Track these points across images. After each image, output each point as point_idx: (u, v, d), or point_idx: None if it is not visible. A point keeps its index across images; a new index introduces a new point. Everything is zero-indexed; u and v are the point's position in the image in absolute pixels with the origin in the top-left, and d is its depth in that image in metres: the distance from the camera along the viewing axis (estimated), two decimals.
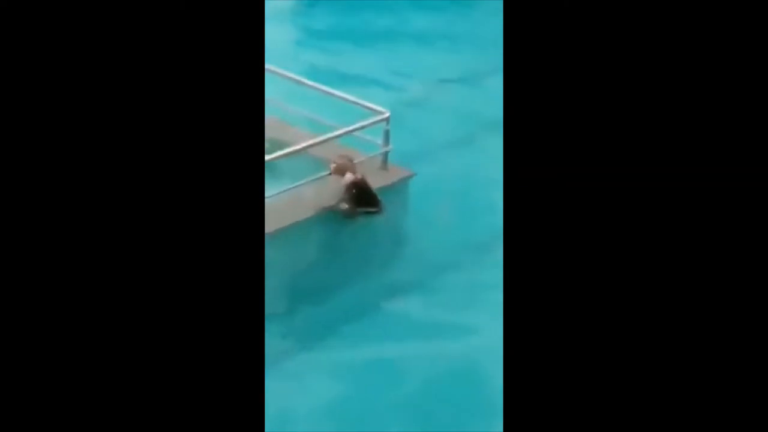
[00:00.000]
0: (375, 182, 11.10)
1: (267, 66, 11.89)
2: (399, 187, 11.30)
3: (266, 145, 11.22)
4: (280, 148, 10.88)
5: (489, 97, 12.32)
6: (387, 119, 11.28)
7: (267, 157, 10.78)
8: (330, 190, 10.76)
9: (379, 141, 11.31)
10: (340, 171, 10.72)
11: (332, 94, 11.60)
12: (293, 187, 10.76)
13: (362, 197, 10.72)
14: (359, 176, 10.74)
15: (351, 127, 11.05)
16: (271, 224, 10.37)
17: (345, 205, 10.69)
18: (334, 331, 9.66)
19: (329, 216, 10.73)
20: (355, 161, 10.89)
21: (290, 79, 11.92)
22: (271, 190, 10.70)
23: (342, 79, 13.40)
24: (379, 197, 10.85)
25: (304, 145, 10.93)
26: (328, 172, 10.76)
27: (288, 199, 10.69)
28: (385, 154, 11.38)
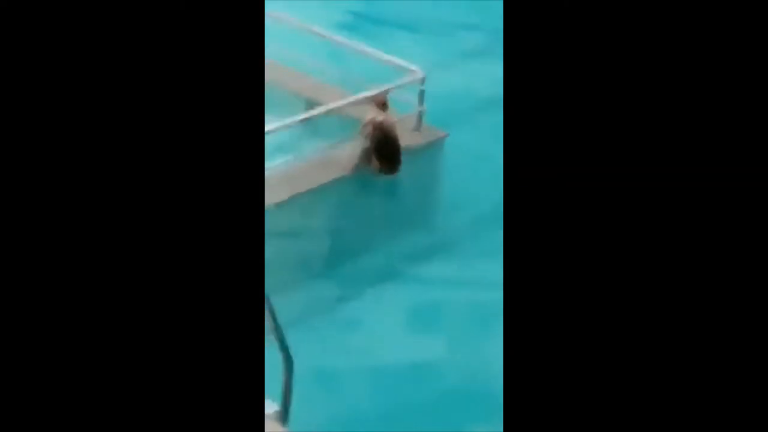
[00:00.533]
0: (408, 142, 11.12)
1: (301, 23, 11.97)
2: (433, 148, 11.31)
3: (303, 105, 11.33)
4: (316, 107, 10.92)
5: None
6: (422, 79, 11.27)
7: (302, 116, 10.88)
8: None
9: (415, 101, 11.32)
10: (378, 103, 10.70)
11: (368, 53, 11.58)
12: (328, 147, 10.80)
13: (382, 146, 10.68)
14: (386, 119, 10.68)
15: (385, 87, 11.04)
16: (304, 184, 10.46)
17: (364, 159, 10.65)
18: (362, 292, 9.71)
19: (362, 175, 10.75)
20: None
21: (325, 37, 11.90)
22: (306, 149, 10.80)
23: (381, 32, 13.34)
24: (400, 154, 10.80)
25: (338, 103, 10.95)
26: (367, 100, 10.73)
27: (323, 158, 10.73)
28: (420, 114, 11.38)
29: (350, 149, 10.81)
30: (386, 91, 10.84)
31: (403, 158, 10.99)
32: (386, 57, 11.48)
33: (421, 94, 11.32)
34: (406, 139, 11.14)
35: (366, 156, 10.79)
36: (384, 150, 10.72)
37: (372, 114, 10.72)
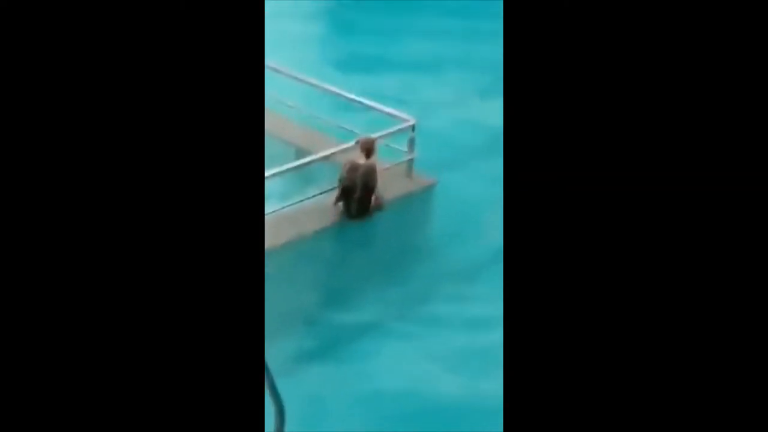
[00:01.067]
0: (398, 190, 11.22)
1: (294, 73, 12.13)
2: (423, 195, 11.40)
3: (294, 153, 11.46)
4: (307, 156, 11.05)
5: None
6: (413, 127, 11.39)
7: (295, 164, 10.99)
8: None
9: (404, 149, 11.43)
10: (363, 148, 10.80)
11: (359, 102, 11.73)
12: (319, 194, 10.90)
13: (350, 190, 10.76)
14: (364, 163, 10.77)
15: (376, 135, 11.16)
16: (296, 230, 10.57)
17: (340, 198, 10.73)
18: (354, 339, 9.77)
19: (352, 222, 10.83)
20: (380, 168, 10.99)
21: (316, 86, 12.05)
22: (299, 197, 10.90)
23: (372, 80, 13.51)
24: (380, 199, 10.87)
25: (329, 151, 11.07)
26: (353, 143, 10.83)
27: (314, 205, 10.83)
28: (410, 162, 11.49)
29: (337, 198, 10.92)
30: (372, 138, 10.94)
31: (393, 205, 11.09)
32: (377, 105, 11.62)
33: (411, 142, 11.45)
34: (396, 186, 11.25)
35: (339, 198, 10.89)
36: (352, 194, 10.81)
37: (352, 158, 10.83)
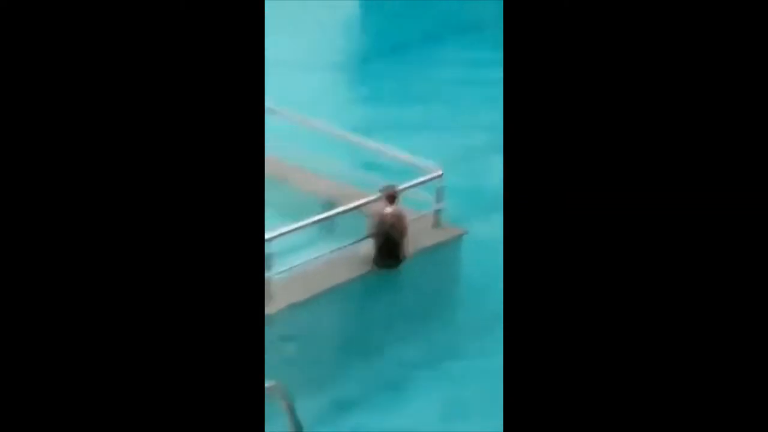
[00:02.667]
0: (427, 240, 11.18)
1: (321, 123, 12.16)
2: (451, 245, 11.35)
3: (321, 205, 11.45)
4: (333, 207, 11.03)
5: None
6: (440, 176, 11.36)
7: (322, 216, 11.00)
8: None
9: (432, 198, 11.41)
10: (387, 196, 10.80)
11: (386, 153, 11.73)
12: (347, 245, 10.87)
13: (381, 240, 10.78)
14: (391, 212, 10.78)
15: (404, 185, 11.14)
16: (324, 282, 10.53)
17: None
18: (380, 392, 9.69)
19: (380, 273, 10.80)
20: (408, 218, 10.96)
21: (344, 137, 12.07)
22: (325, 248, 10.88)
23: (398, 132, 13.54)
24: (403, 248, 10.88)
25: (354, 204, 11.05)
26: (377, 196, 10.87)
27: (342, 256, 10.80)
28: (438, 212, 11.45)
29: (367, 248, 10.88)
30: (394, 185, 10.93)
31: (421, 256, 11.04)
32: (404, 156, 11.60)
33: (440, 192, 11.40)
34: (424, 236, 11.21)
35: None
36: (383, 244, 10.79)
37: (378, 208, 10.82)
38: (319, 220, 10.94)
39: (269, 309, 10.16)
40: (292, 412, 7.30)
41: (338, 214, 10.99)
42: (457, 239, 11.42)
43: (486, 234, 11.53)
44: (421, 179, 11.38)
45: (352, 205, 11.03)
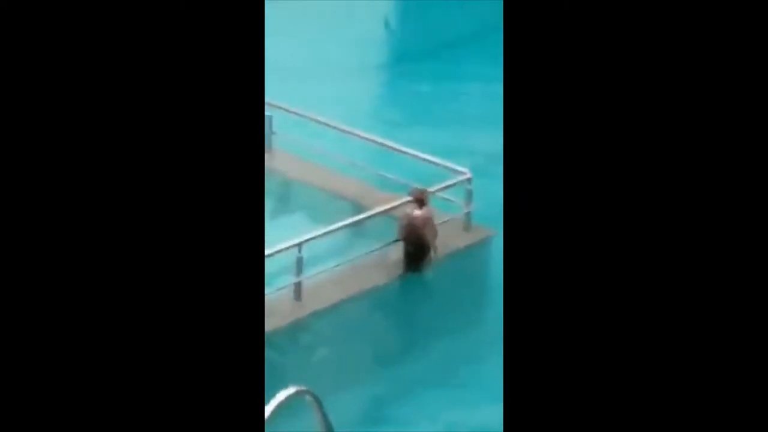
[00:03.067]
0: (457, 242, 11.23)
1: (349, 129, 12.23)
2: (481, 247, 11.39)
3: (350, 208, 11.53)
4: (363, 211, 11.10)
5: None
6: (469, 179, 11.40)
7: (351, 220, 11.06)
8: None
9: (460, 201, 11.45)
10: (416, 199, 10.85)
11: (416, 156, 11.78)
12: (377, 249, 10.93)
13: (409, 244, 10.82)
14: (419, 215, 10.81)
15: (433, 188, 11.20)
16: (353, 287, 10.60)
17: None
18: (413, 396, 9.75)
19: (412, 277, 10.85)
20: (437, 222, 11.01)
21: (372, 141, 12.12)
22: (356, 252, 10.95)
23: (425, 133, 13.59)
24: (433, 251, 10.90)
25: (385, 206, 11.11)
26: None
27: (372, 260, 10.87)
28: (467, 215, 11.49)
29: (397, 251, 10.94)
30: (423, 189, 10.97)
31: (451, 258, 11.09)
32: (434, 159, 11.65)
33: (469, 194, 11.45)
34: (454, 239, 11.26)
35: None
36: (413, 247, 10.84)
37: (408, 211, 10.87)
38: (349, 224, 11.02)
39: (300, 313, 10.28)
40: (323, 416, 7.35)
41: (368, 217, 11.07)
42: (487, 241, 11.45)
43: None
44: (450, 182, 11.43)
45: (382, 208, 11.10)
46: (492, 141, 13.81)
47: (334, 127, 12.23)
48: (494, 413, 9.00)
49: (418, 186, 11.03)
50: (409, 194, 10.93)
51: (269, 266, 8.57)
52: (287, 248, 10.17)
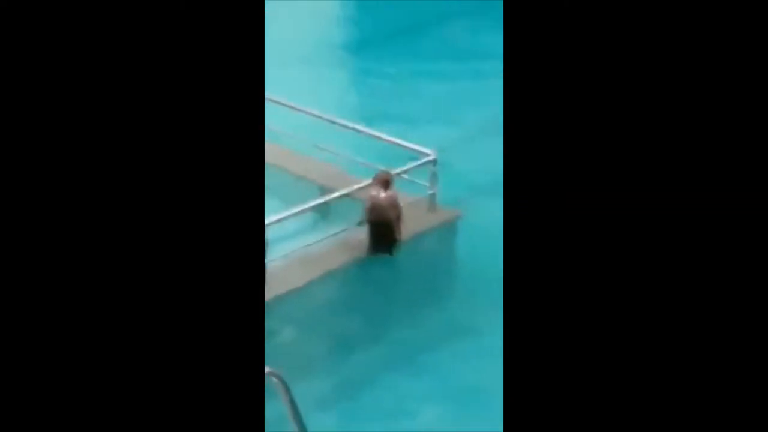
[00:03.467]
0: (422, 224, 11.25)
1: (315, 111, 12.23)
2: (446, 228, 11.42)
3: (319, 192, 11.54)
4: (329, 193, 11.10)
5: None
6: (434, 161, 11.43)
7: (317, 201, 11.08)
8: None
9: (427, 183, 11.47)
10: (381, 181, 10.86)
11: (380, 138, 11.80)
12: (342, 231, 10.94)
13: (374, 225, 10.85)
14: (389, 196, 10.82)
15: (398, 170, 11.22)
16: (319, 268, 10.62)
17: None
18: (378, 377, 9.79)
19: (376, 258, 10.87)
20: (402, 203, 11.03)
21: (337, 123, 12.13)
22: (321, 234, 10.96)
23: (389, 118, 13.60)
24: (397, 233, 10.93)
25: (350, 188, 11.13)
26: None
27: (337, 242, 10.88)
28: (432, 196, 11.51)
29: (361, 233, 10.95)
30: (387, 171, 10.99)
31: (416, 239, 11.11)
32: (399, 141, 11.67)
33: (434, 176, 11.47)
34: (419, 220, 11.28)
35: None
36: (377, 229, 10.86)
37: (372, 192, 10.88)
38: (314, 206, 11.03)
39: (266, 295, 10.27)
40: (289, 397, 7.35)
41: (333, 199, 11.08)
42: (453, 222, 11.48)
43: (482, 216, 11.60)
44: (415, 164, 11.46)
45: (346, 190, 11.11)
46: (456, 123, 13.97)
47: (302, 111, 12.23)
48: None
49: (383, 169, 11.05)
50: (375, 177, 10.95)
51: None
52: None
